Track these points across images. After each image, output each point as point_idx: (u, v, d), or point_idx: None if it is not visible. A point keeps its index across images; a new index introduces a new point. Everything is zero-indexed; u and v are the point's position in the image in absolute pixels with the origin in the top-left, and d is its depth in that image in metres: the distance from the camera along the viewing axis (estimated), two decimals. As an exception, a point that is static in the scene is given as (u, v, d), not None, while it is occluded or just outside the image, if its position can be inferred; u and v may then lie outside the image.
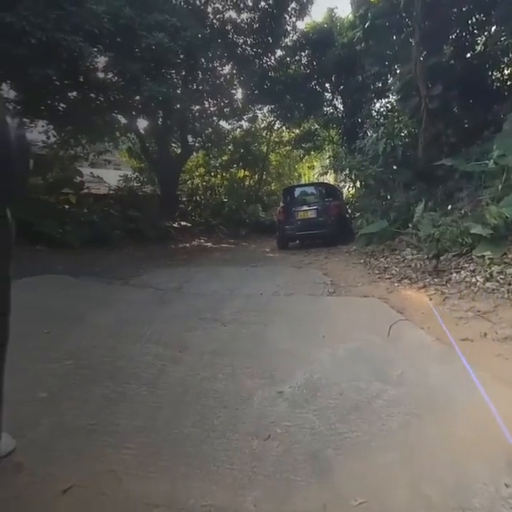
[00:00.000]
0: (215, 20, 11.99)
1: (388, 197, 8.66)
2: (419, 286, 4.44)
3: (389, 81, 11.17)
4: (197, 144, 13.28)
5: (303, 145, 16.77)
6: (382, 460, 1.65)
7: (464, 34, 8.48)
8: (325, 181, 14.59)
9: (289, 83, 13.18)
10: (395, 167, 9.07)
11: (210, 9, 11.85)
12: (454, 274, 4.46)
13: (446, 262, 4.92)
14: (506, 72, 8.40)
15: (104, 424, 1.92)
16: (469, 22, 8.35)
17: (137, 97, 8.24)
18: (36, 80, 5.62)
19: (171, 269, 6.38)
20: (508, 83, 8.11)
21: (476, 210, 5.26)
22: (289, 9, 12.35)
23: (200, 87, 11.65)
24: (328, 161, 16.65)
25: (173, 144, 13.19)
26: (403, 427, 1.87)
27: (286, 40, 13.35)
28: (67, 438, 1.83)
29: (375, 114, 12.63)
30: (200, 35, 8.55)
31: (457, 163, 6.09)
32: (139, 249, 8.40)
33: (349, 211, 11.38)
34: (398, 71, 10.02)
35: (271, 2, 11.58)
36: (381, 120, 10.99)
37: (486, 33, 8.47)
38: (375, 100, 13.10)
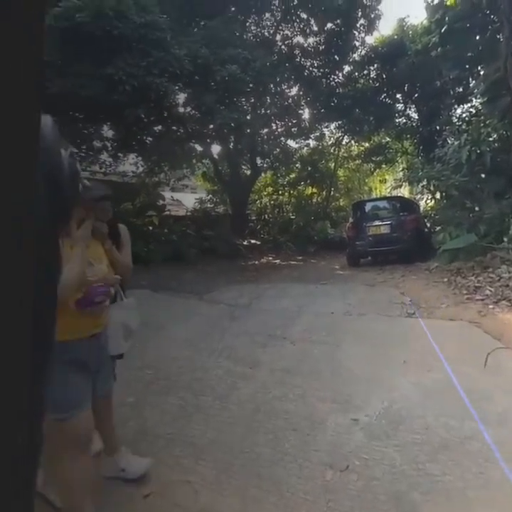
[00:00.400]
0: (283, 47, 12.50)
1: (476, 208, 7.74)
2: (522, 310, 3.82)
3: (471, 84, 10.24)
4: (265, 165, 13.74)
5: (373, 158, 16.10)
6: (483, 515, 1.41)
7: None
8: (399, 194, 13.73)
9: (357, 97, 12.93)
10: (482, 175, 8.11)
11: (278, 37, 12.43)
12: None
13: (557, 281, 4.17)
14: None
15: (181, 435, 2.01)
16: None
17: (211, 126, 8.92)
18: (129, 119, 6.53)
19: (241, 285, 6.56)
20: None
21: None
22: (358, 26, 12.29)
23: (269, 111, 12.13)
24: (401, 173, 15.69)
25: (243, 166, 13.86)
26: (509, 478, 1.58)
27: (354, 55, 13.23)
28: (148, 443, 1.95)
29: (455, 120, 11.63)
30: (268, 63, 9.00)
31: None
32: (212, 265, 8.86)
33: (427, 225, 10.46)
34: (482, 72, 9.15)
35: (338, 22, 11.67)
36: (463, 126, 10.04)
37: None
38: (456, 106, 12.08)
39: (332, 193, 17.46)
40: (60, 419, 1.32)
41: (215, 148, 12.48)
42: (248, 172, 13.81)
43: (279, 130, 12.84)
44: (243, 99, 9.78)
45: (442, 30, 9.11)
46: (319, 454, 1.83)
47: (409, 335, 3.50)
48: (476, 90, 9.67)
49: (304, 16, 11.86)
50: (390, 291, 5.67)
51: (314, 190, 17.14)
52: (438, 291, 5.27)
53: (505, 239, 5.77)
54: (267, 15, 11.71)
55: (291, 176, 16.22)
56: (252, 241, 12.27)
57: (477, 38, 8.79)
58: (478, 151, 7.83)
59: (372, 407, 2.24)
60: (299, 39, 12.65)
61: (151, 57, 6.01)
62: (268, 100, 11.77)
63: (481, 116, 9.43)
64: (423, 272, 7.07)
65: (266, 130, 12.04)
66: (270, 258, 11.04)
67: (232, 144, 11.44)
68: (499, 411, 2.06)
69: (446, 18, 8.93)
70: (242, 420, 2.15)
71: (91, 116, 7.32)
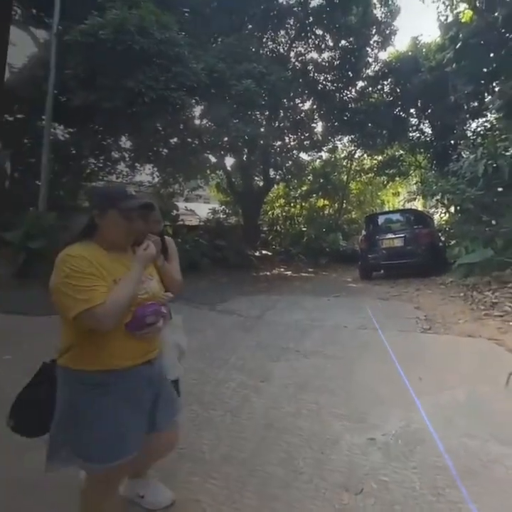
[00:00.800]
0: (297, 63, 12.71)
1: (493, 222, 7.60)
2: (545, 329, 3.68)
3: (486, 99, 10.18)
4: (278, 177, 13.88)
5: (386, 171, 16.09)
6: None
7: None
8: (412, 208, 13.60)
9: (370, 112, 12.95)
10: (500, 189, 7.99)
11: (292, 54, 12.67)
12: None
13: None
14: None
15: (192, 450, 1.95)
16: None
17: (226, 138, 9.09)
18: (147, 131, 6.71)
19: (253, 296, 6.53)
20: None
21: None
22: (371, 42, 12.42)
23: (282, 124, 12.30)
24: (415, 186, 15.57)
25: (255, 178, 14.03)
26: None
27: (368, 71, 13.34)
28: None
29: (470, 134, 11.55)
30: (282, 78, 9.16)
31: None
32: (224, 275, 8.88)
33: (442, 239, 10.30)
34: (498, 88, 9.09)
35: (352, 39, 11.85)
36: (478, 140, 9.95)
37: None
38: (470, 121, 12.01)
39: (344, 205, 17.43)
40: (97, 469, 1.16)
41: (229, 160, 12.67)
42: (261, 184, 13.94)
43: (292, 143, 12.98)
44: (257, 113, 9.95)
45: (457, 46, 9.16)
46: (335, 475, 1.76)
47: (425, 351, 3.40)
48: (491, 105, 9.61)
49: (318, 32, 12.07)
50: (404, 305, 5.57)
51: (326, 202, 17.17)
52: (454, 307, 5.15)
53: (524, 254, 5.63)
54: (282, 32, 11.97)
55: (303, 188, 16.30)
56: (264, 252, 12.30)
57: (492, 55, 8.78)
58: (495, 165, 7.74)
59: (389, 426, 2.16)
60: (313, 55, 12.87)
61: (169, 72, 6.20)
62: (281, 113, 11.93)
63: (496, 130, 9.34)
64: (438, 287, 6.94)
65: (279, 143, 12.17)
66: (282, 269, 11.01)
67: (245, 156, 11.60)
68: (525, 435, 1.96)
69: (461, 35, 8.98)
70: (254, 436, 2.09)
71: (110, 127, 7.55)
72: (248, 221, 12.96)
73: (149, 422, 1.26)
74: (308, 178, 15.77)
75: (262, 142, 9.56)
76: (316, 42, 12.38)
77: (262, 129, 10.10)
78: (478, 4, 8.38)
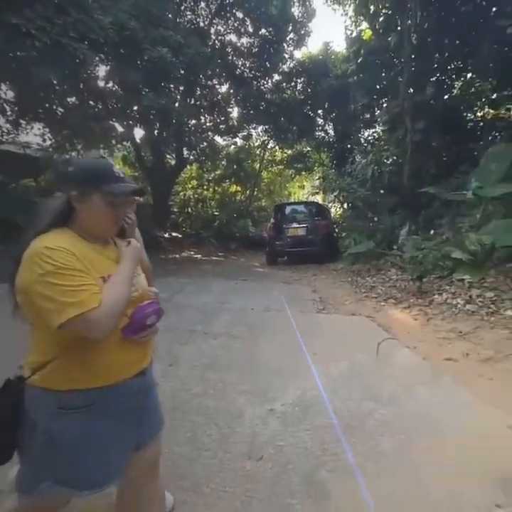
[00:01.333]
0: (216, 41, 12.33)
1: (375, 219, 8.91)
2: (404, 306, 4.53)
3: (376, 113, 11.62)
4: (191, 157, 13.41)
5: (295, 165, 17.15)
6: (377, 484, 1.63)
7: (443, 78, 9.05)
8: (314, 201, 14.88)
9: (284, 106, 13.52)
10: (381, 191, 9.37)
11: (212, 30, 12.20)
12: (436, 296, 4.57)
13: (429, 283, 5.05)
14: (479, 114, 9.00)
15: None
16: (449, 67, 8.92)
17: (135, 107, 8.31)
18: (37, 82, 5.62)
19: (161, 278, 6.28)
20: (481, 124, 8.61)
21: (457, 237, 5.45)
22: (288, 39, 12.85)
23: (198, 103, 11.87)
24: (317, 182, 17.04)
25: (168, 156, 13.26)
26: (395, 449, 1.87)
27: (284, 66, 13.78)
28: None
29: (363, 141, 13.10)
30: (201, 54, 8.78)
31: (438, 192, 6.32)
32: (128, 257, 8.24)
33: (336, 231, 11.59)
34: (385, 105, 10.48)
35: (271, 29, 12.03)
36: (369, 148, 11.38)
37: (462, 79, 9.10)
38: (364, 129, 13.57)
39: (255, 193, 17.99)
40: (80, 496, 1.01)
41: (139, 132, 11.66)
42: (173, 162, 13.26)
43: (208, 124, 12.68)
44: (172, 86, 9.36)
45: (358, 61, 10.19)
46: (239, 446, 1.88)
47: (319, 329, 3.84)
48: (379, 119, 11.06)
49: (239, 15, 11.88)
50: (303, 289, 6.13)
51: (238, 188, 17.44)
52: (343, 290, 5.91)
53: (394, 246, 6.79)
54: (203, 4, 11.40)
55: (216, 172, 16.19)
56: (174, 234, 11.88)
57: (384, 74, 10.03)
58: (379, 170, 9.05)
59: (287, 396, 2.39)
60: (233, 37, 12.66)
61: (68, 16, 5.29)
62: (198, 91, 11.49)
63: (382, 141, 10.86)
64: (331, 272, 7.84)
65: (194, 121, 11.73)
66: (192, 252, 10.84)
67: (157, 131, 10.83)
68: (388, 392, 2.41)
69: (362, 51, 10.01)
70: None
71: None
72: (158, 200, 12.26)
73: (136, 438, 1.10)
74: (223, 162, 15.72)
75: (176, 118, 9.05)
76: (236, 24, 12.20)
77: (177, 104, 9.57)
78: (377, 26, 9.43)
